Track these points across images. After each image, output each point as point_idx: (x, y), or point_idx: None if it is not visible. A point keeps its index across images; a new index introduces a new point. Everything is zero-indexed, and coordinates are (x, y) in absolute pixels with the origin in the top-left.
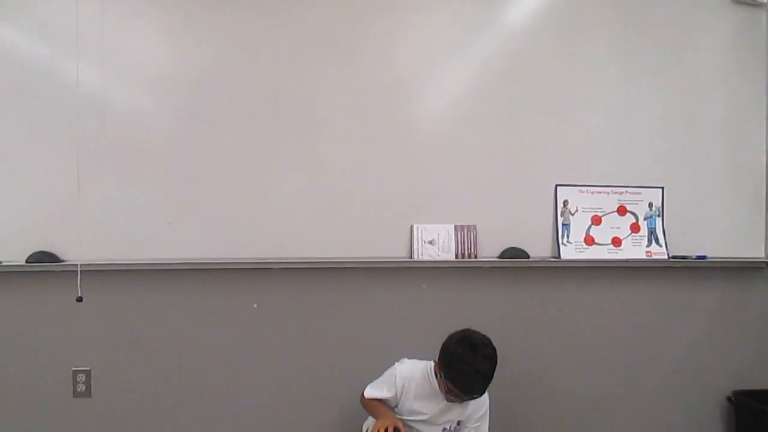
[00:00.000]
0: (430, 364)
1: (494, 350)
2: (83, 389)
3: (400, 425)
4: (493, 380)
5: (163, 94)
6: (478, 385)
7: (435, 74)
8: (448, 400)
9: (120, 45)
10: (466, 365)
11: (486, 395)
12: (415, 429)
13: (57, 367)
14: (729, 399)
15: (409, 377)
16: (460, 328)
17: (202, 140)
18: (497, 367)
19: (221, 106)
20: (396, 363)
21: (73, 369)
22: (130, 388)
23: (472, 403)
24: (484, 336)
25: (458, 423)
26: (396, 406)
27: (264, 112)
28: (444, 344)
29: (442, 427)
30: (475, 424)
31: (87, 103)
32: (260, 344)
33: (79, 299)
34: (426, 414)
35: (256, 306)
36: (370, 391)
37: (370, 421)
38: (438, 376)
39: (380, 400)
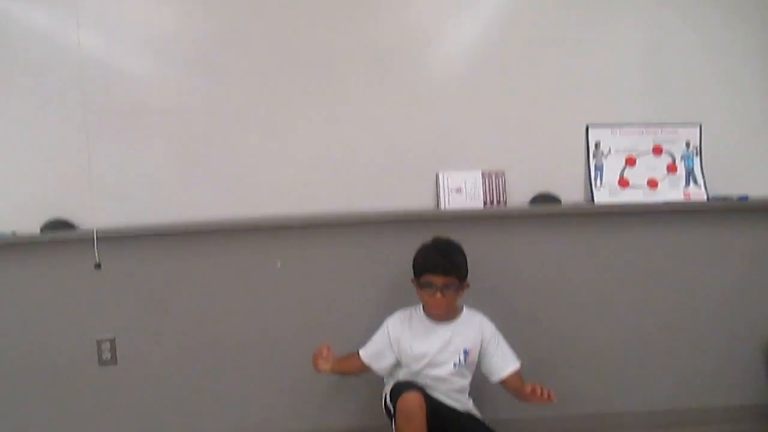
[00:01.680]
0: (418, 305)
1: (456, 243)
2: (108, 357)
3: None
4: (527, 331)
5: (170, 51)
6: (442, 260)
7: (454, 14)
8: (432, 307)
9: (121, 1)
10: (427, 249)
11: (483, 318)
12: (429, 379)
13: (81, 335)
14: None
15: (399, 323)
16: (490, 278)
17: (213, 97)
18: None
19: (232, 62)
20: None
21: (97, 338)
22: (155, 354)
23: (470, 327)
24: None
25: (465, 353)
26: (399, 363)
27: (277, 66)
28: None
29: (452, 363)
30: (493, 346)
31: (90, 65)
32: (286, 304)
33: (98, 266)
34: (429, 352)
35: (279, 265)
36: (364, 350)
37: (388, 388)
38: (416, 287)
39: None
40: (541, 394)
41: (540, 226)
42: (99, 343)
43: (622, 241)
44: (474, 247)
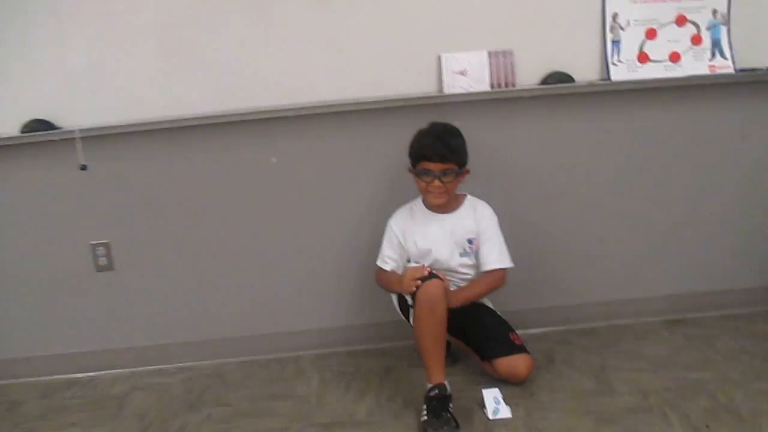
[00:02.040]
0: (417, 199)
1: (454, 127)
2: (105, 263)
3: (428, 268)
4: (539, 220)
5: None
6: (439, 145)
7: None
8: (430, 194)
9: None
10: (423, 135)
11: (486, 208)
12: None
13: (74, 241)
14: None
15: (402, 221)
16: (497, 166)
17: None
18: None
19: None
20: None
21: (91, 242)
22: (152, 258)
23: (472, 216)
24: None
25: (470, 242)
26: (408, 260)
27: None
28: None
29: (458, 252)
30: (485, 238)
31: None
32: (282, 199)
33: (83, 167)
34: (435, 245)
35: (275, 160)
36: (380, 261)
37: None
38: (414, 177)
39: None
40: None
41: (551, 109)
42: (94, 248)
43: (641, 122)
44: (480, 133)
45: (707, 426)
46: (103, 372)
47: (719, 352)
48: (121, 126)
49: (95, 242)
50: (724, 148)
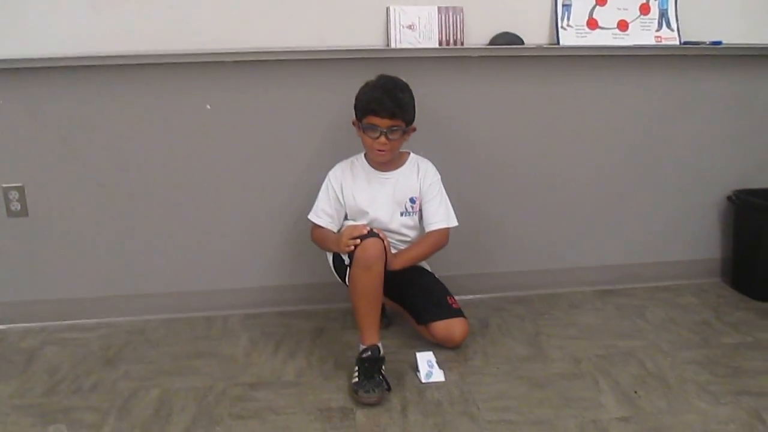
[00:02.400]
0: (360, 154)
1: (403, 82)
2: (18, 208)
3: (367, 227)
4: (480, 185)
5: None
6: (388, 100)
7: None
8: (376, 152)
9: None
10: (371, 88)
11: (429, 166)
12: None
13: None
14: (729, 198)
15: (341, 174)
16: (443, 125)
17: None
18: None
19: None
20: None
21: (3, 185)
22: (70, 203)
23: (415, 174)
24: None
25: (412, 201)
26: (346, 217)
27: None
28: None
29: (399, 212)
30: (429, 197)
31: None
32: (215, 150)
33: None
34: (374, 203)
35: (209, 107)
36: (314, 214)
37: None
38: (358, 131)
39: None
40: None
41: (499, 70)
42: (6, 191)
43: (585, 89)
44: (426, 91)
45: (636, 392)
46: (12, 325)
47: (649, 322)
48: (39, 60)
49: (7, 185)
50: (667, 118)
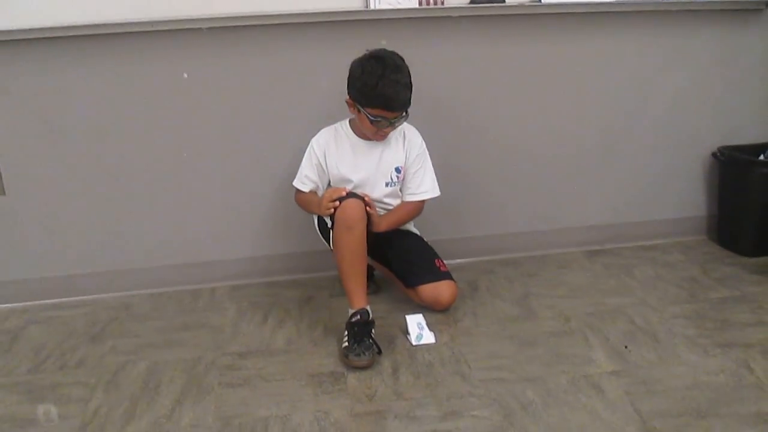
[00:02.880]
0: (344, 121)
1: (402, 59)
2: None
3: (347, 189)
4: (466, 148)
5: None
6: (402, 95)
7: None
8: (377, 135)
9: None
10: (381, 79)
11: (414, 134)
12: None
13: None
14: (714, 155)
15: (324, 142)
16: (423, 87)
17: None
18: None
19: None
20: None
21: None
22: (49, 180)
23: (400, 142)
24: (386, 49)
25: (397, 171)
26: (329, 184)
27: None
28: (350, 73)
29: (383, 182)
30: (416, 168)
31: None
32: (194, 120)
33: None
34: (358, 174)
35: (186, 76)
36: (298, 181)
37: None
38: (356, 112)
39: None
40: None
41: (481, 29)
42: None
43: (570, 46)
44: (406, 53)
45: (626, 347)
46: None
47: (637, 280)
48: (10, 32)
49: None
50: (649, 79)
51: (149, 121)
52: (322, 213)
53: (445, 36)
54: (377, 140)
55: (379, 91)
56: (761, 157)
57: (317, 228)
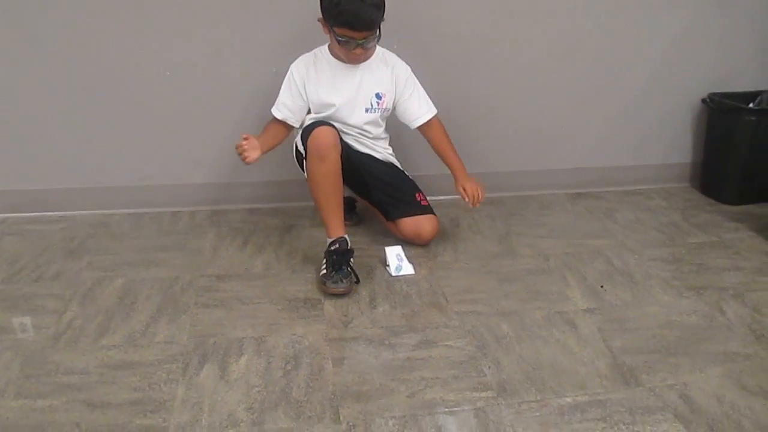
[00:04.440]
0: (323, 46)
1: None
2: None
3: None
4: (451, 84)
5: None
6: (365, 13)
7: None
8: (349, 57)
9: None
10: None
11: (397, 59)
12: (340, 126)
13: None
14: (704, 101)
15: (304, 67)
16: (413, 22)
17: None
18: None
19: None
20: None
21: None
22: (23, 90)
23: (383, 68)
24: None
25: (378, 97)
26: (308, 111)
27: None
28: None
29: (363, 108)
30: (409, 92)
31: None
32: (177, 36)
33: None
34: (338, 98)
35: None
36: (275, 108)
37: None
38: (328, 32)
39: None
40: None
41: None
42: None
43: None
44: None
45: (602, 286)
46: None
47: (618, 223)
48: None
49: None
50: (641, 21)
51: (133, 34)
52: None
53: None
54: (351, 63)
55: (341, 8)
56: (751, 105)
57: (294, 157)
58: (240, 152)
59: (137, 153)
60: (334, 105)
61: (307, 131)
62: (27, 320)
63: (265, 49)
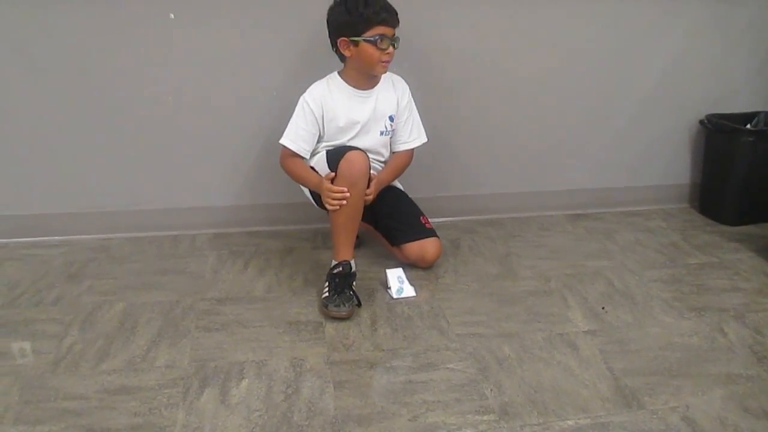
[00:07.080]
0: (332, 74)
1: None
2: None
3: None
4: (451, 104)
5: None
6: (387, 6)
7: None
8: (382, 61)
9: None
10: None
11: (403, 81)
12: None
13: None
14: (701, 122)
15: (320, 94)
16: (410, 44)
17: None
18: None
19: None
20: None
21: None
22: (24, 117)
23: (392, 91)
24: None
25: (390, 119)
26: (324, 137)
27: None
28: (332, 17)
29: (378, 131)
30: (406, 115)
31: None
32: (180, 62)
33: None
34: (356, 123)
35: (173, 16)
36: (288, 139)
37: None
38: (354, 50)
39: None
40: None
41: None
42: None
43: (556, 7)
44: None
45: (603, 308)
46: None
47: (617, 244)
48: None
49: None
50: (639, 46)
51: (133, 60)
52: (325, 201)
53: None
54: (381, 70)
55: (371, 7)
56: (748, 126)
57: (309, 193)
58: (341, 199)
59: (137, 177)
60: (353, 129)
61: (338, 154)
62: (27, 345)
63: (266, 73)
